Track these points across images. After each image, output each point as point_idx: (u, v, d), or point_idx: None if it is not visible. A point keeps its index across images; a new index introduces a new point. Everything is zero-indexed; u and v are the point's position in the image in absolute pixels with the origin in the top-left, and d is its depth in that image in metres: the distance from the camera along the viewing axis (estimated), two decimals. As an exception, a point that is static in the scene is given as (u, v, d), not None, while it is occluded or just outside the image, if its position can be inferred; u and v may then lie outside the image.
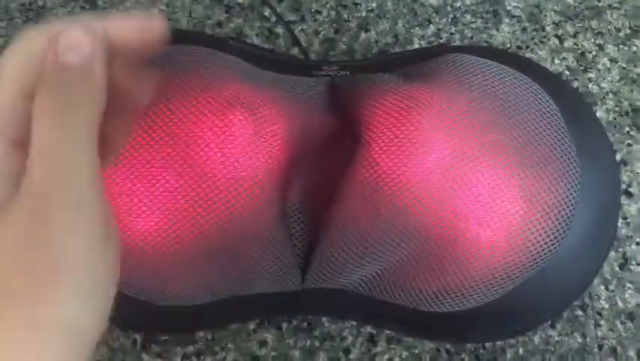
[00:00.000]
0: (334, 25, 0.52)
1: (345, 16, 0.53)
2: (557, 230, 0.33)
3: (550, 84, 0.37)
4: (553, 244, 0.33)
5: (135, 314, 0.36)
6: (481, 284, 0.33)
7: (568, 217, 0.33)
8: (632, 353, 0.41)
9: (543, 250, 0.33)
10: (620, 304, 0.43)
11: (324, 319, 0.42)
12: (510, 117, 0.34)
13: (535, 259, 0.33)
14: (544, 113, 0.35)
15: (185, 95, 0.32)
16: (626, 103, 0.49)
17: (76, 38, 0.21)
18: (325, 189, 0.34)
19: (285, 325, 0.42)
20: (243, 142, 0.32)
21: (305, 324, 0.42)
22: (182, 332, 0.40)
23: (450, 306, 0.34)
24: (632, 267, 0.44)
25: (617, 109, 0.49)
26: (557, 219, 0.33)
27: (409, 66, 0.37)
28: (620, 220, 0.45)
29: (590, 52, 0.51)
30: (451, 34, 0.52)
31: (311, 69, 0.38)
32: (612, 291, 0.43)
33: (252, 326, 0.42)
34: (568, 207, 0.33)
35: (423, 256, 0.34)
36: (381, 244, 0.33)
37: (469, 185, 0.32)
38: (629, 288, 0.43)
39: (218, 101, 0.32)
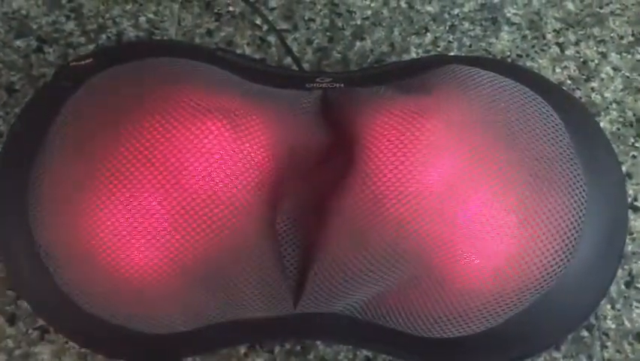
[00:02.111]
0: (328, 33, 0.51)
1: (340, 24, 0.51)
2: (562, 254, 0.31)
3: (554, 96, 0.36)
4: (559, 268, 0.31)
5: (121, 342, 0.35)
6: (483, 310, 0.32)
7: (574, 239, 0.32)
8: (640, 375, 0.40)
9: (548, 275, 0.31)
10: (627, 324, 0.41)
11: (319, 342, 0.40)
12: (512, 133, 0.32)
13: (540, 284, 0.31)
14: (548, 129, 0.33)
15: (164, 110, 0.31)
16: (630, 113, 0.48)
17: None
18: (318, 207, 0.33)
19: (277, 349, 0.40)
20: (228, 165, 0.31)
21: (298, 348, 0.40)
22: (168, 358, 0.38)
23: (449, 332, 0.33)
24: (638, 285, 0.42)
25: (620, 119, 0.48)
26: (562, 243, 0.31)
27: (406, 78, 0.36)
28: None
29: (592, 60, 0.50)
30: (449, 42, 0.50)
31: (304, 82, 0.37)
32: (619, 310, 0.41)
33: (242, 350, 0.40)
34: (574, 228, 0.32)
35: (421, 279, 0.32)
36: (378, 265, 0.32)
37: (468, 206, 0.31)
38: (637, 307, 0.42)
39: (197, 110, 0.31)
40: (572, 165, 0.33)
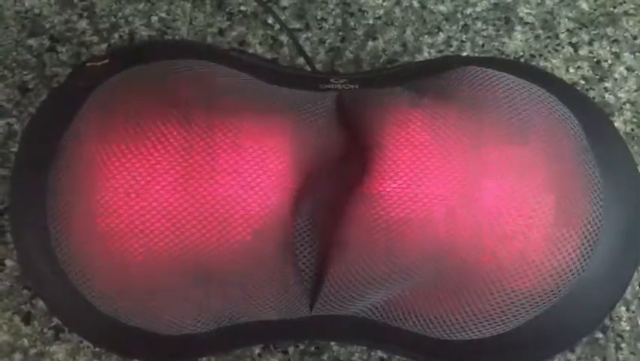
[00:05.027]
0: (340, 33, 0.50)
1: (352, 23, 0.51)
2: (582, 255, 0.31)
3: (569, 97, 0.36)
4: (577, 269, 0.31)
5: (136, 342, 0.35)
6: (500, 312, 0.32)
7: (592, 241, 0.31)
8: (655, 377, 0.40)
9: (567, 275, 0.31)
10: (641, 326, 0.41)
11: (333, 343, 0.40)
12: (529, 135, 0.32)
13: (558, 287, 0.31)
14: (565, 130, 0.33)
15: (191, 122, 0.31)
16: (644, 114, 0.48)
17: None
18: (334, 211, 0.33)
19: (291, 349, 0.40)
20: (249, 170, 0.31)
21: (313, 348, 0.40)
22: (182, 359, 0.38)
23: (467, 335, 0.33)
24: (653, 286, 0.42)
25: (634, 120, 0.47)
26: (581, 244, 0.31)
27: (421, 79, 0.36)
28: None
29: (605, 60, 0.50)
30: (462, 42, 0.50)
31: (318, 82, 0.37)
32: (633, 312, 0.41)
33: (257, 350, 0.40)
34: (592, 230, 0.32)
35: (439, 281, 0.32)
36: (394, 269, 0.31)
37: (486, 208, 0.31)
38: (651, 309, 0.41)
39: (225, 133, 0.31)
40: (589, 167, 0.33)
